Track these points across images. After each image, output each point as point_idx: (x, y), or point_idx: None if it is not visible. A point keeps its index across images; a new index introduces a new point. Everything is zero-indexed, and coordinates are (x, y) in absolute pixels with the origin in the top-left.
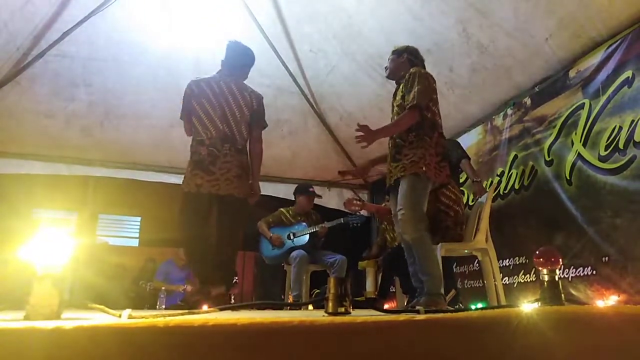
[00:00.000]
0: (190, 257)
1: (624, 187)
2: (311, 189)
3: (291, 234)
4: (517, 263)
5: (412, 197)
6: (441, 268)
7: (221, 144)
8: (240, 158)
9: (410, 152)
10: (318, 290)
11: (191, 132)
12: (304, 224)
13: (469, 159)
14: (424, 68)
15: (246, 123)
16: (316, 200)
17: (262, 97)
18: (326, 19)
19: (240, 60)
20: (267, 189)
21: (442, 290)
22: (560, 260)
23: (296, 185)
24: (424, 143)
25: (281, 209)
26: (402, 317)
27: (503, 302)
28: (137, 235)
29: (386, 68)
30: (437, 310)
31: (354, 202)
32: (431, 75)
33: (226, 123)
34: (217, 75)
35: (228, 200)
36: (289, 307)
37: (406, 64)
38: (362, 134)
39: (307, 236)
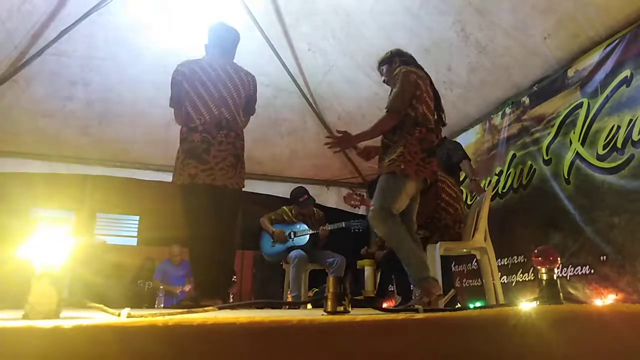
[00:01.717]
0: (190, 258)
1: (622, 186)
2: (302, 199)
3: (292, 233)
4: (516, 262)
5: (382, 194)
6: (432, 264)
7: (216, 130)
8: (236, 145)
9: (392, 150)
10: (317, 290)
11: (178, 121)
12: (306, 223)
13: (469, 159)
14: (414, 64)
15: (242, 107)
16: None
17: (256, 80)
18: (325, 18)
19: (229, 40)
20: (266, 187)
21: (429, 274)
22: (559, 259)
23: (294, 184)
24: (405, 141)
25: (284, 207)
26: (401, 316)
27: (501, 301)
28: (135, 234)
29: (385, 81)
30: (435, 310)
31: (354, 196)
32: (413, 72)
33: (225, 107)
34: (209, 58)
35: (223, 192)
36: (287, 306)
37: (400, 66)
38: (333, 140)
39: (308, 237)
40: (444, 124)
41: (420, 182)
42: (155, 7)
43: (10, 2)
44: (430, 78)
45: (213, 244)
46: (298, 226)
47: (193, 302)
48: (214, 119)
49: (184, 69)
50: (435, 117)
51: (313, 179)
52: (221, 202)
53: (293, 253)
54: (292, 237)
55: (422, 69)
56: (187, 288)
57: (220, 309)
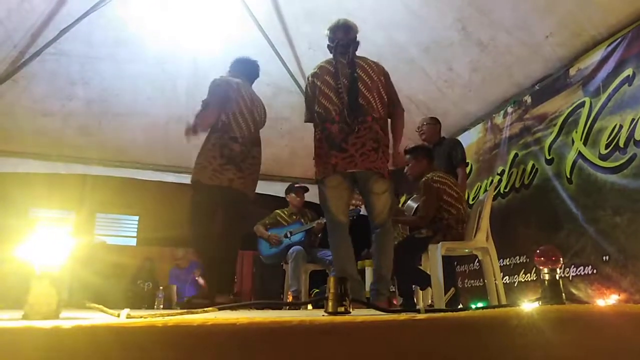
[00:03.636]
0: (203, 256)
1: (624, 186)
2: (297, 184)
3: (288, 232)
4: (518, 262)
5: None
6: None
7: (251, 145)
8: (260, 161)
9: None
10: (317, 290)
11: (210, 122)
12: (300, 222)
13: (466, 165)
14: (337, 47)
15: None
16: (313, 199)
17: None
18: (325, 17)
19: (253, 74)
20: (266, 188)
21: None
22: (561, 259)
23: (295, 184)
24: (315, 143)
25: (277, 210)
26: (402, 316)
27: (504, 301)
28: (135, 234)
29: None
30: (437, 310)
31: (355, 196)
32: (311, 75)
33: (255, 126)
34: (242, 82)
35: (242, 199)
36: (288, 307)
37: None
38: None
39: (304, 233)
40: (357, 109)
41: (338, 175)
42: (155, 6)
43: (9, 1)
44: (343, 61)
45: (228, 245)
46: (293, 225)
47: (200, 299)
48: (251, 135)
49: (231, 80)
50: (347, 103)
51: (313, 179)
52: (238, 207)
53: (291, 250)
54: (289, 235)
55: (340, 50)
56: (197, 274)
57: (220, 309)
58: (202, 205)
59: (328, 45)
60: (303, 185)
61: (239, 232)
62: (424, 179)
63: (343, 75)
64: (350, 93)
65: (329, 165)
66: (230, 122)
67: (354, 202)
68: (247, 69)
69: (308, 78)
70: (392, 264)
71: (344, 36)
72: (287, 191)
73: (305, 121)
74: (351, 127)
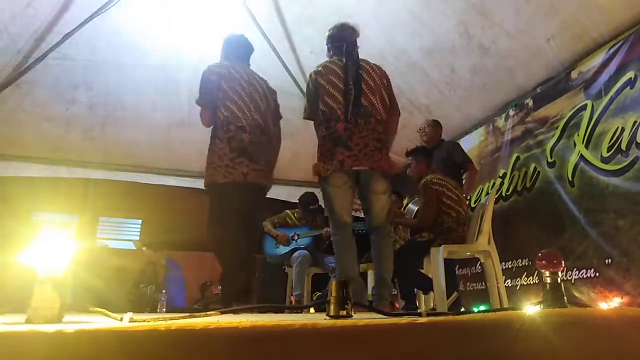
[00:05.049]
0: (222, 262)
1: (626, 189)
2: (312, 206)
3: (295, 235)
4: (520, 265)
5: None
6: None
7: (260, 132)
8: (271, 148)
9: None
10: (320, 293)
11: (210, 120)
12: (309, 226)
13: (472, 163)
14: (341, 47)
15: (272, 114)
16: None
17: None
18: (327, 20)
19: (246, 50)
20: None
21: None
22: (563, 262)
23: (296, 187)
24: (319, 141)
25: (287, 210)
26: (404, 320)
27: (505, 304)
28: (137, 238)
29: None
30: (439, 314)
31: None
32: (314, 72)
33: (259, 113)
34: (236, 64)
35: (258, 191)
36: (290, 310)
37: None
38: None
39: (311, 238)
40: (360, 109)
41: (343, 173)
42: (157, 11)
43: (13, 6)
44: (349, 62)
45: (246, 245)
46: (301, 229)
47: (221, 306)
48: (255, 121)
49: (220, 69)
50: (352, 104)
51: (315, 182)
52: (257, 201)
53: (296, 253)
54: (296, 238)
55: (348, 49)
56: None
57: (222, 313)
58: (219, 207)
59: (332, 45)
60: (318, 208)
61: (257, 229)
62: (423, 182)
63: (349, 76)
64: (354, 93)
65: (334, 161)
66: (234, 112)
67: (355, 205)
68: (238, 48)
69: (311, 75)
70: (392, 266)
71: (351, 34)
72: (300, 205)
73: (305, 118)
74: (356, 126)
